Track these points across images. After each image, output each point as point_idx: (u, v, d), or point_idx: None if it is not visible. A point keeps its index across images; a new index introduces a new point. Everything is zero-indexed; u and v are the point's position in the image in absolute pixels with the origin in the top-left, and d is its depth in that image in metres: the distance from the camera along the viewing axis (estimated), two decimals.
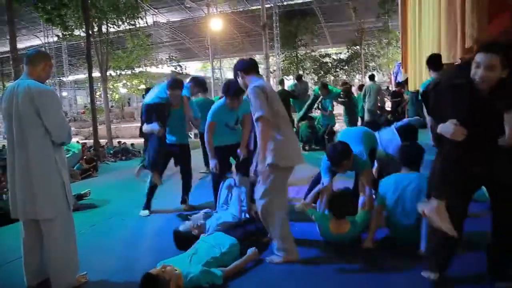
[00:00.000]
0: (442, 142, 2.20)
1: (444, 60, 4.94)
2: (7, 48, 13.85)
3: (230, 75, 31.08)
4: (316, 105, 8.49)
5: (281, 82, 10.06)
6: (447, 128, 2.08)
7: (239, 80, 3.11)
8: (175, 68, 25.73)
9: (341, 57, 28.60)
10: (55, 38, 18.47)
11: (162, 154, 4.46)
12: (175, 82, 4.39)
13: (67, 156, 4.88)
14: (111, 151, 13.87)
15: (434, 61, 4.57)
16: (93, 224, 4.33)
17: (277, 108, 2.93)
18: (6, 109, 2.58)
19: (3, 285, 2.87)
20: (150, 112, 4.33)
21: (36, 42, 25.79)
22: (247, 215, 3.74)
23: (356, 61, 27.50)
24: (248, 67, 3.06)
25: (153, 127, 4.27)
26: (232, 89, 3.82)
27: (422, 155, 3.29)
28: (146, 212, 4.53)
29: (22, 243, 2.73)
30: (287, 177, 3.01)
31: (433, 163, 2.28)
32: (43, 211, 2.57)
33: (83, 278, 2.80)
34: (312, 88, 12.09)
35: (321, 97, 8.24)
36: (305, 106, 8.98)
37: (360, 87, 11.05)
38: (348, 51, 27.94)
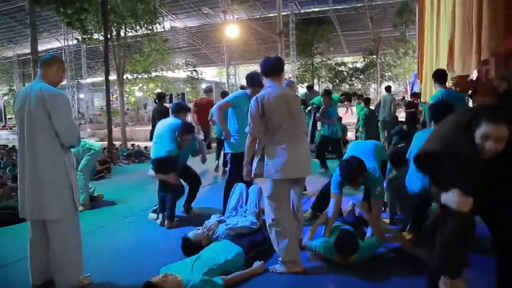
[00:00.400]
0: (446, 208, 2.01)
1: (458, 72, 4.87)
2: (29, 50, 14.20)
3: (245, 81, 31.34)
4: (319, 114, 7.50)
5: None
6: (452, 199, 1.92)
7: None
8: (191, 73, 25.96)
9: (357, 66, 28.42)
10: (75, 41, 18.86)
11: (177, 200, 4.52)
12: (188, 128, 4.44)
13: (88, 154, 5.03)
14: (125, 153, 14.00)
15: (440, 75, 4.65)
16: (101, 225, 4.37)
17: (280, 118, 2.89)
18: (19, 111, 2.64)
19: (9, 283, 2.92)
20: (162, 166, 4.36)
21: (56, 44, 26.41)
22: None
23: (372, 71, 27.29)
24: (268, 70, 3.06)
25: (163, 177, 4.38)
26: (257, 80, 3.75)
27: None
28: (154, 215, 4.56)
29: (28, 242, 2.77)
30: (286, 189, 2.98)
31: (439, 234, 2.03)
32: (49, 212, 2.62)
33: (87, 279, 2.83)
34: None
35: (323, 106, 7.25)
36: (309, 127, 8.28)
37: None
38: (364, 60, 27.75)
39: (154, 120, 7.72)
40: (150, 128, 7.28)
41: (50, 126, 2.59)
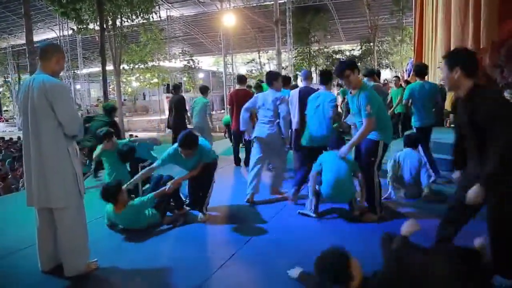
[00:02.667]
0: None
1: None
2: (23, 41, 14.11)
3: (242, 70, 31.18)
4: None
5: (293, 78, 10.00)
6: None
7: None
8: (188, 63, 25.81)
9: (354, 54, 28.37)
10: (70, 32, 18.73)
11: None
12: None
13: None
14: None
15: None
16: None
17: None
18: (23, 102, 2.69)
19: (19, 269, 3.00)
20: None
21: (51, 35, 26.18)
22: None
23: (369, 58, 27.26)
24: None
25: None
26: None
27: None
28: None
29: (36, 230, 2.85)
30: None
31: None
32: (55, 200, 2.69)
33: (94, 265, 2.91)
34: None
35: None
36: None
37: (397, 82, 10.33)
38: (361, 48, 27.70)
39: (171, 110, 7.88)
40: (148, 118, 7.28)
41: (53, 116, 2.64)
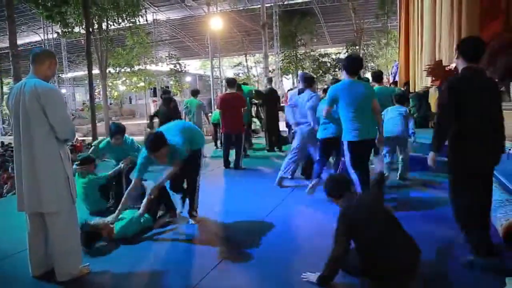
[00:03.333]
0: None
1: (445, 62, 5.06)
2: (6, 44, 13.82)
3: (229, 73, 31.20)
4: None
5: (270, 81, 9.77)
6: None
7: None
8: (174, 66, 25.67)
9: (340, 57, 28.65)
10: (55, 35, 18.46)
11: None
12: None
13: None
14: None
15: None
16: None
17: None
18: (14, 106, 2.67)
19: (9, 275, 2.96)
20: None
21: (35, 38, 25.77)
22: None
23: None
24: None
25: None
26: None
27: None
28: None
29: (27, 235, 2.82)
30: None
31: None
32: (47, 204, 2.66)
33: (86, 269, 2.89)
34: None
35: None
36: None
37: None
38: (347, 51, 27.99)
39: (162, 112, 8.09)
40: (135, 122, 7.38)
41: (45, 121, 2.62)
